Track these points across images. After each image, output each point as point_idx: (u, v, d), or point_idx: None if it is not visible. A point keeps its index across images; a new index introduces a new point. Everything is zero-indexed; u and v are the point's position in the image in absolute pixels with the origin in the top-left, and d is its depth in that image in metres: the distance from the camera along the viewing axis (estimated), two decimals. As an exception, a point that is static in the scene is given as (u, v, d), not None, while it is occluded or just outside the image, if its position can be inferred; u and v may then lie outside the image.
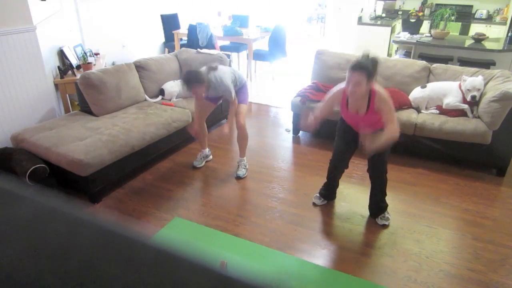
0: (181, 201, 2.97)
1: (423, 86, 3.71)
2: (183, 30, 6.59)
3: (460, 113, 3.46)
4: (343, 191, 3.15)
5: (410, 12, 7.81)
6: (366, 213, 2.85)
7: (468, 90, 3.40)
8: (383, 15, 7.61)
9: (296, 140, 4.13)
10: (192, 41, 6.03)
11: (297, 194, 3.09)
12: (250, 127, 4.34)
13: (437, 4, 7.73)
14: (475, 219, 2.81)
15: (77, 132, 3.03)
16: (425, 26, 7.04)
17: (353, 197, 3.07)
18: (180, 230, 2.67)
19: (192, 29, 6.07)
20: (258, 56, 6.18)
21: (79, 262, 0.32)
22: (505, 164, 3.36)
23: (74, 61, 4.11)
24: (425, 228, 2.70)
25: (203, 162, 3.55)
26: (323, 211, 2.88)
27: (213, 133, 4.25)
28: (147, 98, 3.90)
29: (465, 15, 7.40)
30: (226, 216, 2.80)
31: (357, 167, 3.50)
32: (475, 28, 6.96)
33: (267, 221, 2.74)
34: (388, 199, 2.73)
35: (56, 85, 3.80)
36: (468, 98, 3.41)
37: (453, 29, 6.77)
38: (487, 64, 4.88)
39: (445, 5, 7.41)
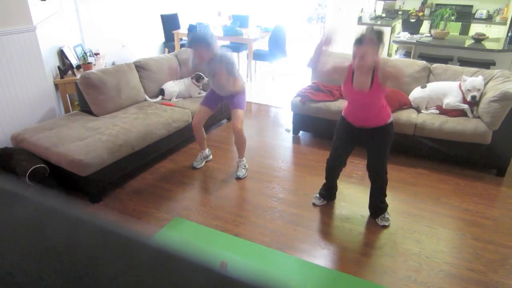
0: (181, 201, 2.97)
1: (423, 86, 3.71)
2: (183, 30, 6.59)
3: (460, 113, 3.46)
4: (343, 191, 3.15)
5: (410, 12, 7.81)
6: (366, 213, 2.85)
7: (468, 90, 3.40)
8: (383, 15, 7.61)
9: (296, 140, 4.13)
10: (192, 41, 6.02)
11: (297, 194, 3.09)
12: (250, 127, 4.35)
13: (437, 4, 7.73)
14: (475, 219, 2.81)
15: (77, 132, 3.03)
16: (425, 26, 7.04)
17: (353, 197, 3.07)
18: (180, 230, 2.67)
19: (192, 29, 6.07)
20: (258, 56, 6.18)
21: (79, 262, 0.32)
22: (505, 164, 3.36)
23: (74, 61, 4.11)
24: (425, 228, 2.70)
25: (203, 163, 3.55)
26: (323, 211, 2.88)
27: (213, 133, 4.25)
28: (147, 98, 3.90)
29: (465, 15, 7.40)
30: (226, 216, 2.80)
31: (357, 167, 3.50)
32: (475, 28, 6.96)
33: (267, 221, 2.74)
34: (388, 199, 2.73)
35: (56, 85, 3.80)
36: (468, 98, 3.41)
37: (453, 29, 6.76)
38: (487, 64, 4.88)
39: (445, 5, 7.41)
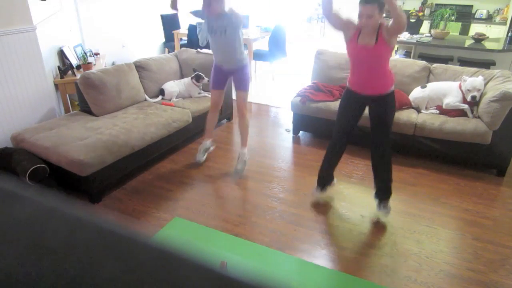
0: (181, 201, 2.97)
1: (423, 86, 3.71)
2: (183, 30, 6.59)
3: (460, 113, 3.46)
4: (343, 191, 3.16)
5: (410, 12, 7.81)
6: (366, 213, 2.85)
7: (468, 90, 3.40)
8: (383, 15, 7.60)
9: (296, 140, 4.13)
10: (192, 41, 6.03)
11: (297, 194, 3.09)
12: (250, 127, 4.33)
13: (437, 4, 7.73)
14: (475, 219, 2.81)
15: (77, 132, 3.03)
16: (425, 26, 7.04)
17: (353, 197, 3.07)
18: (180, 230, 2.67)
19: (192, 29, 6.07)
20: (258, 56, 6.18)
21: (79, 262, 0.32)
22: (505, 164, 3.36)
23: (74, 61, 4.11)
24: (425, 228, 2.70)
25: (205, 155, 3.57)
26: (323, 211, 2.88)
27: (213, 133, 4.25)
28: (147, 98, 3.90)
29: (465, 15, 7.40)
30: (226, 216, 2.80)
31: (357, 167, 3.51)
32: (475, 28, 6.97)
33: (267, 221, 2.74)
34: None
35: (56, 85, 3.80)
36: (468, 99, 3.41)
37: (453, 29, 6.77)
38: (487, 64, 4.88)
39: (445, 5, 7.41)
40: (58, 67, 3.92)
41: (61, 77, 3.81)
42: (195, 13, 3.26)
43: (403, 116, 3.50)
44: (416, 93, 3.71)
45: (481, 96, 3.42)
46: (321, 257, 2.41)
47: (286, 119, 4.57)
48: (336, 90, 3.98)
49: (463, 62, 4.94)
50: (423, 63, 3.92)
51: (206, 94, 4.15)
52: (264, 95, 5.53)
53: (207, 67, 4.17)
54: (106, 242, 0.34)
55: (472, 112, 3.44)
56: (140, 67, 3.89)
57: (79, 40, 4.90)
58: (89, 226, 0.36)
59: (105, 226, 0.35)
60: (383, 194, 2.78)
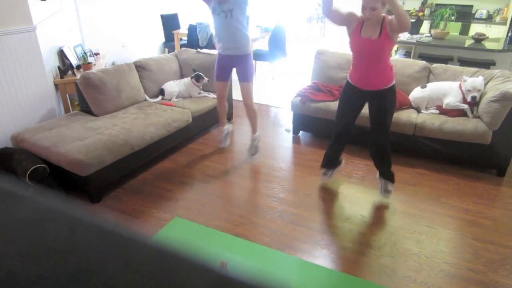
0: (181, 201, 2.97)
1: (423, 86, 3.71)
2: (183, 30, 6.59)
3: (460, 113, 3.46)
4: (343, 191, 3.16)
5: (410, 12, 7.81)
6: (366, 213, 2.85)
7: (468, 90, 3.40)
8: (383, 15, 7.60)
9: (296, 140, 4.13)
10: (192, 41, 6.03)
11: (297, 194, 3.09)
12: (250, 127, 4.34)
13: (437, 4, 7.73)
14: (475, 219, 2.81)
15: (77, 132, 3.03)
16: (425, 26, 7.04)
17: (353, 197, 3.07)
18: (180, 230, 2.67)
19: (192, 29, 6.07)
20: (258, 56, 6.17)
21: (79, 262, 0.32)
22: (505, 164, 3.36)
23: (74, 61, 4.11)
24: (425, 228, 2.70)
25: (228, 140, 3.81)
26: (323, 211, 2.88)
27: (213, 133, 4.25)
28: (147, 98, 3.90)
29: (465, 15, 7.40)
30: (226, 216, 2.80)
31: (357, 167, 3.51)
32: (475, 28, 6.96)
33: (267, 221, 2.74)
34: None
35: (56, 85, 3.80)
36: (469, 99, 3.41)
37: (453, 29, 6.76)
38: (487, 64, 4.88)
39: (445, 5, 7.41)
40: (58, 67, 3.92)
41: (61, 77, 3.81)
42: None
43: (403, 116, 3.50)
44: (416, 93, 3.71)
45: (481, 96, 3.42)
46: (321, 257, 2.41)
47: (286, 119, 4.57)
48: (336, 90, 3.98)
49: (463, 62, 4.94)
50: (423, 63, 3.92)
51: (206, 94, 4.15)
52: (264, 95, 5.53)
53: (207, 67, 4.17)
54: (106, 242, 0.34)
55: (472, 112, 3.44)
56: (140, 67, 3.90)
57: (79, 40, 4.90)
58: (89, 226, 0.36)
59: (105, 226, 0.35)
60: (385, 176, 2.95)
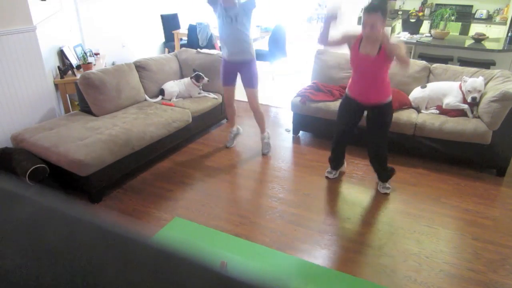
0: (181, 201, 2.97)
1: (423, 86, 3.71)
2: (183, 30, 6.59)
3: (460, 113, 3.46)
4: (343, 191, 3.16)
5: (410, 12, 7.81)
6: (366, 213, 2.85)
7: (468, 91, 3.40)
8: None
9: (296, 140, 4.13)
10: (192, 41, 6.03)
11: (297, 194, 3.09)
12: (250, 127, 4.35)
13: (437, 4, 7.73)
14: (475, 219, 2.81)
15: (77, 132, 3.03)
16: (425, 26, 7.04)
17: (353, 197, 3.07)
18: (180, 230, 2.67)
19: (192, 29, 6.07)
20: (258, 56, 6.14)
21: (79, 262, 0.32)
22: (505, 164, 3.36)
23: (74, 61, 4.11)
24: (425, 228, 2.70)
25: (234, 141, 3.91)
26: (323, 211, 2.88)
27: (213, 133, 4.25)
28: (147, 98, 3.90)
29: (465, 15, 7.40)
30: (226, 216, 2.80)
31: (357, 167, 3.51)
32: (475, 28, 6.96)
33: (267, 221, 2.74)
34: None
35: (56, 85, 3.80)
36: (469, 100, 3.41)
37: (453, 29, 6.76)
38: (487, 64, 4.88)
39: (445, 5, 7.41)
40: (58, 67, 3.92)
41: (61, 77, 3.81)
42: (210, 1, 3.34)
43: (403, 116, 3.50)
44: (416, 93, 3.71)
45: (481, 96, 3.42)
46: (321, 257, 2.41)
47: (286, 119, 4.57)
48: (336, 90, 3.98)
49: (463, 62, 4.94)
50: (423, 63, 3.92)
51: (206, 94, 4.15)
52: (264, 95, 5.51)
53: (207, 67, 4.17)
54: (106, 242, 0.34)
55: (472, 112, 3.44)
56: (140, 67, 3.89)
57: (79, 40, 4.90)
58: (89, 226, 0.36)
59: (105, 226, 0.35)
60: (380, 177, 3.09)
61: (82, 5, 5.05)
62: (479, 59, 5.04)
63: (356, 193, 3.13)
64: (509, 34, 5.89)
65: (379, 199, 3.04)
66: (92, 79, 3.34)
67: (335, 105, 3.78)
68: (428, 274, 2.28)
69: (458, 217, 2.83)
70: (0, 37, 3.04)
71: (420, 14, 7.75)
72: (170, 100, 3.93)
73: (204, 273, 0.32)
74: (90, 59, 4.28)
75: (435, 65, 3.92)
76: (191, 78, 4.08)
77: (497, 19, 7.16)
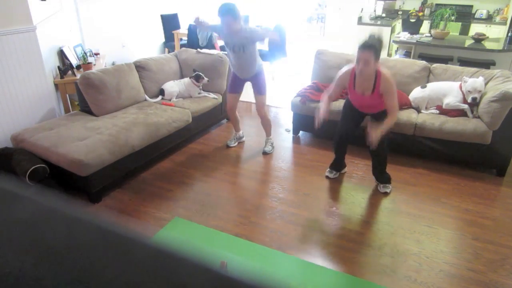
0: (181, 201, 2.97)
1: (423, 86, 3.71)
2: (183, 30, 6.59)
3: (460, 113, 3.46)
4: (343, 191, 3.16)
5: (410, 12, 7.81)
6: (366, 213, 2.85)
7: (469, 91, 3.40)
8: (383, 15, 7.61)
9: (296, 140, 4.13)
10: (192, 41, 6.03)
11: (297, 194, 3.09)
12: (250, 127, 4.35)
13: (437, 4, 7.73)
14: (475, 219, 2.81)
15: (77, 132, 3.03)
16: (425, 26, 7.04)
17: (353, 197, 3.07)
18: (180, 230, 2.67)
19: (192, 29, 6.07)
20: (258, 56, 6.17)
21: (79, 262, 0.32)
22: (505, 164, 3.36)
23: (74, 61, 4.11)
24: (425, 228, 2.70)
25: (236, 143, 3.93)
26: (323, 211, 2.88)
27: (212, 133, 4.25)
28: (147, 98, 3.90)
29: (465, 15, 7.40)
30: (226, 216, 2.80)
31: (357, 167, 3.51)
32: (475, 28, 6.96)
33: (267, 221, 2.74)
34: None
35: (56, 85, 3.80)
36: (469, 100, 3.40)
37: (453, 29, 6.77)
38: (487, 64, 4.88)
39: (445, 5, 7.41)
40: (58, 67, 3.92)
41: (61, 77, 3.81)
42: (214, 28, 3.48)
43: (403, 116, 3.50)
44: (416, 93, 3.71)
45: (481, 96, 3.42)
46: (321, 257, 2.41)
47: (286, 119, 4.57)
48: (336, 90, 3.97)
49: (463, 62, 4.94)
50: (423, 63, 3.92)
51: (205, 94, 4.15)
52: (264, 95, 5.52)
53: (207, 67, 4.17)
54: (106, 242, 0.34)
55: (472, 112, 3.44)
56: (140, 67, 3.89)
57: (79, 40, 4.90)
58: (89, 226, 0.36)
59: (105, 226, 0.35)
60: (378, 179, 3.14)
61: (82, 5, 5.05)
62: (479, 59, 5.04)
63: (356, 193, 3.13)
64: (509, 34, 5.89)
65: (379, 199, 3.04)
66: (92, 79, 3.34)
67: (335, 105, 3.78)
68: (428, 274, 2.28)
69: (458, 217, 2.83)
70: (0, 37, 3.04)
71: (420, 14, 7.75)
72: (170, 100, 3.93)
73: (204, 273, 0.32)
74: (90, 59, 4.28)
75: (435, 65, 3.92)
76: (191, 78, 4.08)
77: (497, 19, 7.16)
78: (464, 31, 7.16)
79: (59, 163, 2.79)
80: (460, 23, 7.16)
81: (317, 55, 4.32)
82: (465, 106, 3.44)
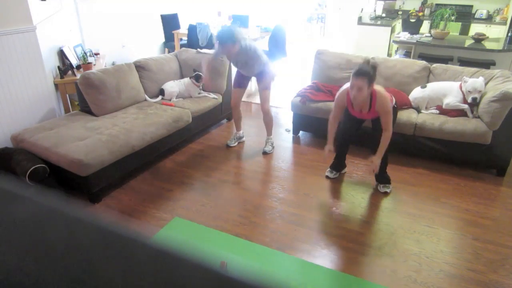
0: (181, 201, 2.97)
1: (423, 86, 3.71)
2: (183, 30, 6.59)
3: (460, 113, 3.46)
4: (344, 191, 3.16)
5: (410, 12, 7.81)
6: (366, 213, 2.85)
7: (469, 91, 3.40)
8: (383, 15, 7.61)
9: (296, 140, 4.13)
10: (192, 41, 6.03)
11: (297, 194, 3.09)
12: (250, 127, 4.35)
13: (437, 4, 7.73)
14: (475, 219, 2.81)
15: (77, 132, 3.03)
16: (425, 26, 7.04)
17: (353, 197, 3.07)
18: (180, 230, 2.67)
19: (192, 29, 6.07)
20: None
21: (79, 262, 0.32)
22: (505, 164, 3.36)
23: (74, 61, 4.11)
24: (425, 228, 2.70)
25: (236, 143, 3.94)
26: (323, 211, 2.88)
27: (213, 133, 4.25)
28: (147, 98, 3.90)
29: (465, 15, 7.40)
30: (226, 216, 2.80)
31: (357, 167, 3.51)
32: (475, 28, 6.96)
33: (267, 221, 2.74)
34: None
35: (56, 85, 3.80)
36: (469, 100, 3.40)
37: (453, 29, 6.77)
38: (487, 64, 4.88)
39: (445, 5, 7.41)
40: (58, 67, 3.92)
41: (61, 77, 3.81)
42: (216, 54, 3.58)
43: (403, 116, 3.50)
44: (416, 93, 3.71)
45: (481, 96, 3.42)
46: (321, 257, 2.41)
47: (286, 119, 4.57)
48: (336, 90, 3.97)
49: (463, 62, 4.94)
50: (423, 63, 3.91)
51: (206, 94, 4.15)
52: (264, 95, 5.52)
53: (207, 67, 4.17)
54: (106, 242, 0.34)
55: (472, 112, 3.44)
56: (140, 67, 3.89)
57: (79, 40, 4.90)
58: (89, 226, 0.36)
59: (105, 226, 0.35)
60: (378, 179, 3.15)
61: (82, 5, 5.05)
62: (479, 59, 5.04)
63: (356, 193, 3.13)
64: (509, 34, 5.89)
65: (379, 199, 3.04)
66: (92, 79, 3.34)
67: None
68: (428, 274, 2.28)
69: (458, 217, 2.83)
70: (0, 37, 3.04)
71: (420, 14, 7.75)
72: (170, 100, 3.93)
73: (204, 273, 0.32)
74: (90, 59, 4.28)
75: (435, 65, 3.92)
76: (191, 78, 4.08)
77: (497, 19, 7.16)
78: (464, 31, 7.16)
79: (59, 163, 2.79)
80: (460, 23, 7.16)
81: (317, 55, 4.32)
82: (465, 106, 3.44)
